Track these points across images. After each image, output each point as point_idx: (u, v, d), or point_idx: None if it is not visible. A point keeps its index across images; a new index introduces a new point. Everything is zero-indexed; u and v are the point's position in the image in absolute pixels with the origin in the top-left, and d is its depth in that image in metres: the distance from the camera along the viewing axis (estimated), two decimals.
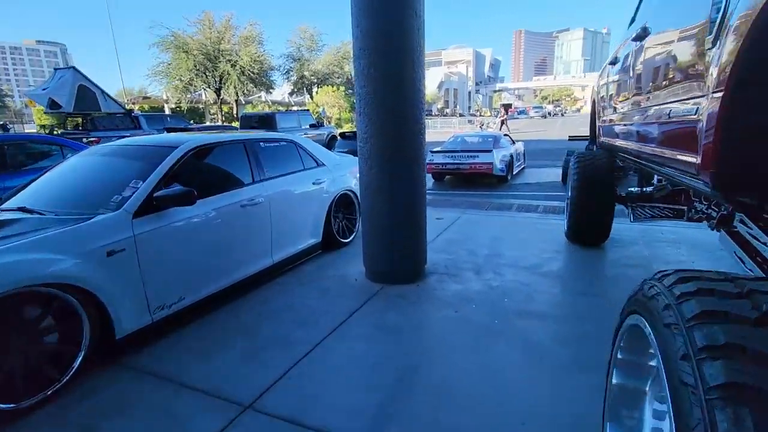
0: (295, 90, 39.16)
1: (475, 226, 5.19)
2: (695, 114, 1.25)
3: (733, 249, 1.96)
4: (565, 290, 3.24)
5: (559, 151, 16.26)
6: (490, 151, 8.72)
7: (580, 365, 2.21)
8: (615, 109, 2.99)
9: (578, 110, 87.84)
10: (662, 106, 1.65)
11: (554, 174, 10.45)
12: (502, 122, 25.84)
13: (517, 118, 54.55)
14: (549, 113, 57.24)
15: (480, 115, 47.97)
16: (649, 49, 1.99)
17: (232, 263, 3.09)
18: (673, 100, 1.53)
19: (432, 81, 75.64)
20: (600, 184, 3.78)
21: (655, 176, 3.66)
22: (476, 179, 9.37)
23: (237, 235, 3.12)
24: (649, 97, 1.94)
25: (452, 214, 5.78)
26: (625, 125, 2.62)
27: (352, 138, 10.90)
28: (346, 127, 32.57)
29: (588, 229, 3.98)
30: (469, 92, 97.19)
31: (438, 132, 30.70)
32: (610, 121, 3.19)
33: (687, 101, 1.36)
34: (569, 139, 9.09)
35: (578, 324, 2.68)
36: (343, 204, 4.41)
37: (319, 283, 3.48)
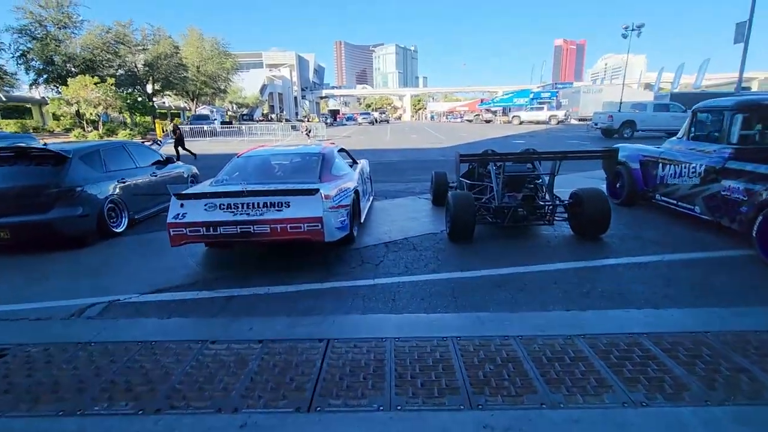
0: (41, 82, 27.34)
1: None
2: None
3: None
4: None
5: (406, 165, 12.73)
6: (314, 191, 3.87)
7: None
8: None
9: (399, 118, 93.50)
10: None
11: (419, 211, 6.47)
12: (177, 141, 14.21)
13: (346, 125, 52.84)
14: (376, 120, 57.68)
15: (308, 121, 43.76)
16: None
17: None
18: None
19: (254, 84, 68.30)
20: None
21: None
22: (287, 246, 4.56)
23: None
24: None
25: None
26: None
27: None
28: (122, 135, 23.63)
29: None
30: (296, 97, 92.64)
31: (252, 141, 24.89)
32: None
33: None
34: (461, 161, 5.08)
35: None
36: None
37: None
